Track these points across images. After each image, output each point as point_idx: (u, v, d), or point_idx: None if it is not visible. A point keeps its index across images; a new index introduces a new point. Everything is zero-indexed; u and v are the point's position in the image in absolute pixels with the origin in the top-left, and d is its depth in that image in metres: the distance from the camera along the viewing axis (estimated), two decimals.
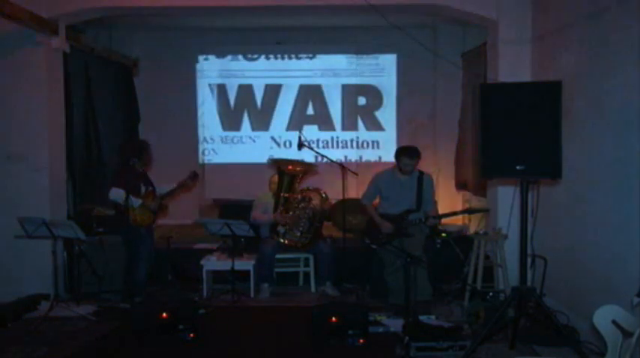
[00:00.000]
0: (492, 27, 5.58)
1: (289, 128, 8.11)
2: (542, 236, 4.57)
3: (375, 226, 5.21)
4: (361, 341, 4.14)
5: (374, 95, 8.14)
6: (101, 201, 6.22)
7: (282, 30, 7.86)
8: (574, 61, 4.53)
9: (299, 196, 5.62)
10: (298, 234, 5.59)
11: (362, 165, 7.80)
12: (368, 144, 8.17)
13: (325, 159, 6.31)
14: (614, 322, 2.85)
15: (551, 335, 4.00)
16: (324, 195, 5.66)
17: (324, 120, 8.13)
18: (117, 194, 5.04)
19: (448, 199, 7.37)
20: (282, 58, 8.18)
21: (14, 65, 5.50)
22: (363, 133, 8.16)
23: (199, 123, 8.19)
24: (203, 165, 8.13)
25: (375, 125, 8.15)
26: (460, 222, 7.07)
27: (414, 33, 6.10)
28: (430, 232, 5.52)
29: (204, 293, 5.56)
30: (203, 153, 8.21)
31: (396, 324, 4.50)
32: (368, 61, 8.13)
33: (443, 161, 7.62)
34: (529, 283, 4.43)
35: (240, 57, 8.17)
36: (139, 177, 5.28)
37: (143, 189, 5.27)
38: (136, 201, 5.13)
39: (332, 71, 8.12)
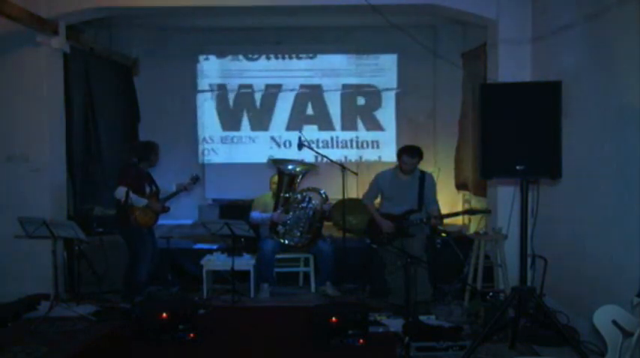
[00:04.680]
0: (492, 27, 5.58)
1: (289, 128, 8.10)
2: (542, 236, 4.57)
3: (376, 226, 5.21)
4: (361, 341, 4.14)
5: (374, 95, 8.13)
6: (101, 201, 6.24)
7: (282, 30, 7.86)
8: (574, 61, 4.53)
9: (299, 196, 5.62)
10: (298, 233, 5.60)
11: (362, 165, 7.79)
12: (368, 144, 8.16)
13: (325, 159, 6.31)
14: (614, 322, 2.85)
15: (551, 335, 4.00)
16: (323, 196, 5.66)
17: (323, 120, 8.12)
18: (122, 193, 5.04)
19: (448, 199, 7.37)
20: (282, 58, 8.18)
21: (14, 65, 5.50)
22: (362, 133, 8.15)
23: (199, 123, 8.19)
24: (203, 165, 8.13)
25: (374, 125, 8.15)
26: (460, 222, 7.07)
27: (414, 33, 6.10)
28: (430, 232, 5.52)
29: (204, 293, 5.56)
30: (203, 153, 8.20)
31: (396, 324, 4.51)
32: (368, 61, 8.12)
33: (443, 161, 7.62)
34: (529, 283, 4.43)
35: (240, 57, 8.17)
36: (143, 177, 5.29)
37: (148, 189, 5.28)
38: (141, 201, 5.14)
39: (332, 71, 8.11)
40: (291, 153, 7.50)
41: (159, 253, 5.60)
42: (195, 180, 5.58)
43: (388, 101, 8.11)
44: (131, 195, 5.01)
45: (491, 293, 4.90)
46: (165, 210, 5.41)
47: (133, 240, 5.24)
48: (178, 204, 6.49)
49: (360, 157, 8.12)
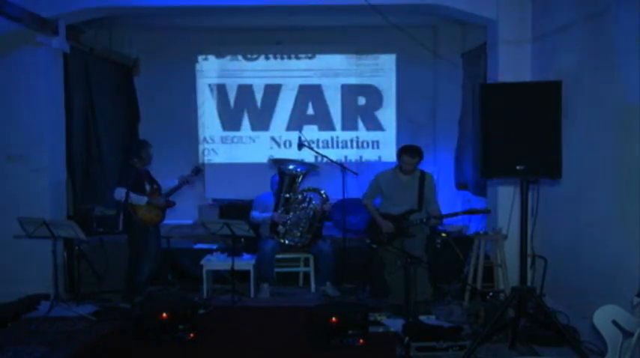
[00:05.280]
0: (492, 27, 5.58)
1: (289, 128, 8.09)
2: (542, 236, 4.58)
3: (376, 226, 5.21)
4: (361, 341, 4.14)
5: (374, 95, 8.13)
6: (101, 201, 6.24)
7: (282, 30, 7.85)
8: (574, 61, 4.53)
9: (299, 196, 5.62)
10: (298, 234, 5.60)
11: (362, 165, 7.79)
12: (368, 144, 8.16)
13: (325, 159, 6.31)
14: (614, 322, 2.85)
15: (551, 335, 4.00)
16: (324, 196, 5.66)
17: (323, 120, 8.12)
18: (120, 194, 5.05)
19: (448, 199, 7.36)
20: (282, 58, 8.17)
21: (14, 65, 5.50)
22: (362, 133, 8.15)
23: (199, 123, 8.18)
24: (203, 165, 8.12)
25: (375, 125, 8.14)
26: (460, 222, 7.06)
27: (414, 33, 6.10)
28: (430, 232, 5.52)
29: (204, 293, 5.56)
30: (203, 153, 8.20)
31: (396, 324, 4.51)
32: (368, 61, 8.11)
33: (443, 161, 7.62)
34: (529, 283, 4.43)
35: (239, 57, 8.16)
36: (142, 176, 5.30)
37: (148, 187, 5.29)
38: (141, 199, 5.14)
39: (332, 71, 8.10)
40: (292, 153, 7.49)
41: (161, 253, 5.60)
42: (197, 171, 5.62)
43: (388, 101, 8.10)
44: (131, 194, 5.01)
45: (491, 293, 4.91)
46: (170, 204, 5.43)
47: (136, 238, 5.24)
48: (178, 204, 6.51)
49: (360, 157, 8.11)
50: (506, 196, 5.18)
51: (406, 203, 5.15)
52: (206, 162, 8.17)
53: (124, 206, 5.05)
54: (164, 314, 4.25)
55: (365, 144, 8.15)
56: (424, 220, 5.09)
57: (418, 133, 7.68)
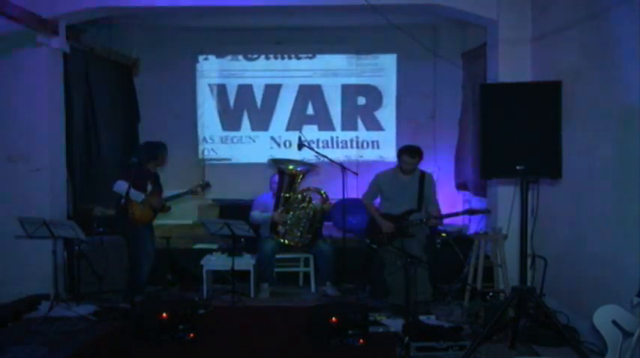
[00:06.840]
0: (492, 27, 5.58)
1: (289, 128, 8.10)
2: (542, 236, 4.57)
3: (376, 226, 5.21)
4: (361, 341, 4.14)
5: (374, 95, 8.13)
6: (101, 201, 6.24)
7: (282, 30, 7.86)
8: (574, 61, 4.53)
9: (299, 196, 5.62)
10: (298, 233, 5.60)
11: (362, 165, 7.79)
12: (368, 144, 8.16)
13: (325, 159, 6.31)
14: (614, 322, 2.86)
15: (551, 335, 4.00)
16: (324, 195, 5.66)
17: (323, 120, 8.12)
18: (120, 186, 5.05)
19: (448, 199, 7.36)
20: (282, 58, 8.17)
21: (14, 65, 5.50)
22: (362, 133, 8.15)
23: (199, 123, 8.19)
24: (203, 164, 8.12)
25: (374, 125, 8.14)
26: (460, 222, 7.07)
27: (414, 33, 6.09)
28: (430, 232, 5.52)
29: (204, 293, 5.56)
30: (203, 153, 8.20)
31: (396, 324, 4.51)
32: (368, 61, 8.12)
33: (443, 161, 7.62)
34: (529, 283, 4.43)
35: (240, 57, 8.17)
36: (146, 176, 5.31)
37: (150, 187, 5.30)
38: (139, 196, 5.15)
39: (332, 71, 8.11)
40: (291, 153, 7.49)
41: (156, 252, 5.61)
42: (206, 185, 5.68)
43: (388, 101, 8.11)
44: (131, 190, 5.02)
45: (491, 293, 4.91)
46: (166, 208, 5.42)
47: (131, 238, 5.25)
48: (179, 203, 6.52)
49: (360, 157, 8.11)
50: (506, 196, 5.18)
51: (406, 203, 5.15)
52: (206, 162, 8.17)
53: (123, 205, 5.05)
54: (164, 314, 4.25)
55: (365, 144, 8.16)
56: (424, 220, 5.09)
57: (418, 133, 7.68)
